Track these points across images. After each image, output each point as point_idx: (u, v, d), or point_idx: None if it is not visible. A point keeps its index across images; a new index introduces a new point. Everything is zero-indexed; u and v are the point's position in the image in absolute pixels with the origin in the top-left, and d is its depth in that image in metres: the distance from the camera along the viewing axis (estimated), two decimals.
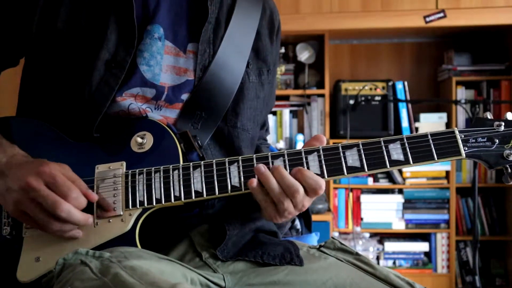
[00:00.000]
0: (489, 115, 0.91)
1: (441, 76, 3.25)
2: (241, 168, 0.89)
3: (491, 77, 3.08)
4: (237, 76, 1.04)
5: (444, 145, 0.88)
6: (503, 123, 0.89)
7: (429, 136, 0.88)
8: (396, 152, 0.88)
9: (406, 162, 0.88)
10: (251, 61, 1.07)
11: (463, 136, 0.88)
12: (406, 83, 3.13)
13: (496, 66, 3.06)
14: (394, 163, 0.88)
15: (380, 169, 0.88)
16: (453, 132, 0.88)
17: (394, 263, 3.16)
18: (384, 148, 0.88)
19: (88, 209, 0.88)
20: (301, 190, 0.86)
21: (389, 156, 0.88)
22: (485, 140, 0.89)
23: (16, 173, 0.86)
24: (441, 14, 2.88)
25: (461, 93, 3.10)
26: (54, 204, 0.82)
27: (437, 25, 2.90)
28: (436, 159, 0.87)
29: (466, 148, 0.88)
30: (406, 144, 0.88)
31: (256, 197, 0.89)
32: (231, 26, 1.03)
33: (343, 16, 2.96)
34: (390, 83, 3.09)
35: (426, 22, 2.89)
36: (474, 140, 0.89)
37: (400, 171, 3.10)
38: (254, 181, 0.87)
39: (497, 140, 0.88)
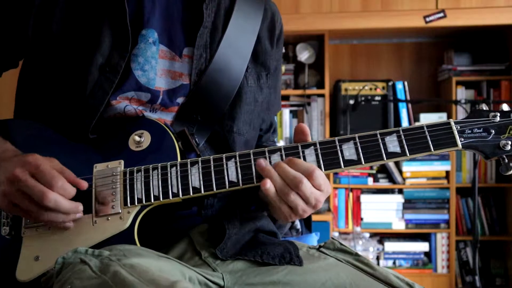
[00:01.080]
0: (484, 107, 0.91)
1: (441, 76, 3.25)
2: (238, 163, 0.89)
3: (491, 77, 3.08)
4: (235, 80, 1.03)
5: (440, 136, 0.88)
6: (498, 114, 0.89)
7: (425, 128, 0.88)
8: (392, 144, 0.88)
9: (402, 154, 0.88)
10: (250, 65, 1.06)
11: (459, 127, 0.88)
12: (406, 83, 3.13)
13: (496, 66, 3.06)
14: (391, 155, 0.88)
15: (377, 161, 0.88)
16: (448, 123, 0.88)
17: (394, 263, 3.16)
18: (380, 140, 0.88)
19: (87, 209, 0.88)
20: (305, 180, 0.85)
21: (385, 149, 0.88)
22: (481, 130, 0.89)
23: (4, 167, 0.86)
24: (441, 14, 2.88)
25: (461, 93, 3.10)
26: (40, 194, 0.82)
27: (437, 25, 2.90)
28: (432, 150, 0.87)
29: (462, 139, 0.88)
30: (402, 136, 0.88)
31: (270, 198, 0.87)
32: (229, 30, 1.03)
33: (343, 16, 2.96)
34: (390, 83, 3.08)
35: (426, 22, 2.89)
36: (470, 131, 0.89)
37: (400, 171, 3.10)
38: (267, 182, 0.85)
39: (493, 131, 0.89)
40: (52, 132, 0.97)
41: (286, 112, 3.22)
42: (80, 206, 0.86)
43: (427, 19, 2.89)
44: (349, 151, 0.88)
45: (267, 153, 0.89)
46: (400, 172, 3.11)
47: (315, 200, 0.86)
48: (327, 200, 3.08)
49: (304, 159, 0.88)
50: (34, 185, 0.83)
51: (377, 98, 3.06)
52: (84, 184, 0.88)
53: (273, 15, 1.13)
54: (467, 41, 3.17)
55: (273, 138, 1.25)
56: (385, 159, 0.88)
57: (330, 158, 0.88)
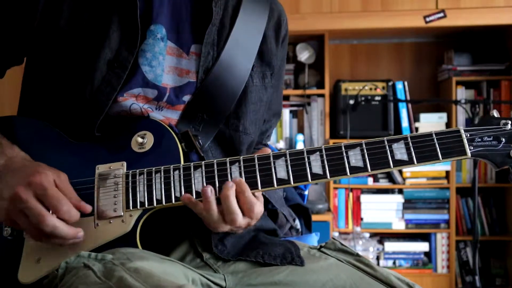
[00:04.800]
0: (495, 114, 0.88)
1: (441, 76, 3.25)
2: (242, 168, 0.88)
3: (491, 77, 3.08)
4: (241, 79, 1.02)
5: (449, 145, 0.85)
6: (510, 122, 0.86)
7: (434, 135, 0.86)
8: (400, 151, 0.86)
9: (410, 162, 0.85)
10: (255, 63, 1.06)
11: (468, 135, 0.86)
12: (406, 83, 3.13)
13: (496, 66, 3.06)
14: (398, 163, 0.86)
15: (384, 169, 0.86)
16: (458, 131, 0.86)
17: (394, 263, 3.16)
18: (387, 147, 0.86)
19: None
20: (239, 216, 0.87)
21: (392, 156, 0.86)
22: (491, 139, 0.86)
23: (9, 181, 0.85)
24: (441, 14, 2.88)
25: (461, 93, 3.10)
26: (39, 218, 0.81)
27: (437, 25, 2.90)
28: (441, 159, 0.85)
29: (472, 148, 0.85)
30: (410, 144, 0.86)
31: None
32: (236, 28, 1.02)
33: (343, 16, 2.96)
34: (390, 83, 3.08)
35: (426, 22, 2.89)
36: (480, 139, 0.86)
37: (400, 171, 3.10)
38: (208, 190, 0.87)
39: (503, 139, 0.86)
40: (55, 131, 0.96)
41: (286, 112, 3.22)
42: (80, 233, 0.85)
43: (427, 19, 2.89)
44: (355, 157, 0.86)
45: (271, 158, 0.88)
46: (400, 172, 3.11)
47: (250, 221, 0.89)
48: (327, 200, 3.09)
49: (310, 165, 0.87)
50: (34, 207, 0.81)
51: (377, 98, 3.05)
52: (88, 208, 0.87)
53: (279, 15, 1.13)
54: (467, 41, 3.17)
55: (265, 141, 1.25)
56: (392, 166, 0.86)
57: (335, 164, 0.86)
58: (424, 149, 0.86)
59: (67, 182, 0.87)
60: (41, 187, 0.82)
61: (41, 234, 0.83)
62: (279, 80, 1.15)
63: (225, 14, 1.03)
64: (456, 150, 0.85)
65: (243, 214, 0.87)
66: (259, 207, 0.88)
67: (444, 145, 0.86)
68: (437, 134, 0.86)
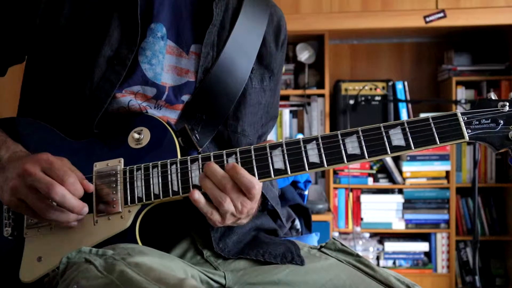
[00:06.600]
0: (493, 96, 0.87)
1: (441, 76, 3.25)
2: (239, 160, 0.87)
3: (491, 77, 3.08)
4: (241, 80, 1.03)
5: (446, 128, 0.84)
6: (507, 103, 0.85)
7: (431, 120, 0.85)
8: (396, 137, 0.85)
9: (407, 147, 0.84)
10: (255, 66, 1.06)
11: (466, 119, 0.85)
12: (406, 83, 3.13)
13: (496, 66, 3.06)
14: (395, 149, 0.85)
15: (381, 155, 0.85)
16: (455, 114, 0.85)
17: (394, 263, 3.17)
18: (384, 133, 0.85)
19: (88, 208, 0.88)
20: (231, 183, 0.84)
21: (389, 142, 0.85)
22: (489, 121, 0.85)
23: (14, 164, 0.86)
24: (441, 14, 2.88)
25: (461, 93, 3.10)
26: (48, 187, 0.81)
27: (437, 25, 2.90)
28: (438, 143, 0.84)
29: (470, 131, 0.84)
30: (407, 129, 0.85)
31: (200, 207, 0.86)
32: (236, 30, 1.03)
33: (343, 16, 2.96)
34: (390, 83, 3.09)
35: (426, 22, 2.89)
36: (477, 122, 0.85)
37: (400, 171, 3.10)
38: (195, 193, 0.85)
39: (501, 121, 0.85)
40: (52, 131, 0.97)
41: (286, 112, 3.22)
42: (85, 208, 0.86)
43: (427, 19, 2.89)
44: (352, 145, 0.85)
45: (268, 149, 0.87)
46: (400, 172, 3.11)
47: (244, 207, 0.86)
48: (327, 200, 3.09)
49: (306, 154, 0.86)
50: (43, 178, 0.82)
51: (377, 98, 3.06)
52: (91, 187, 0.88)
53: (279, 20, 1.14)
54: (467, 41, 3.17)
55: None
56: (389, 152, 0.85)
57: (332, 153, 0.86)
58: (421, 134, 0.85)
59: (70, 163, 0.88)
60: (47, 161, 0.84)
61: (48, 210, 0.84)
62: (277, 84, 1.15)
63: (226, 16, 1.04)
64: (453, 133, 0.84)
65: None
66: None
67: (441, 129, 0.85)
68: (434, 118, 0.85)
